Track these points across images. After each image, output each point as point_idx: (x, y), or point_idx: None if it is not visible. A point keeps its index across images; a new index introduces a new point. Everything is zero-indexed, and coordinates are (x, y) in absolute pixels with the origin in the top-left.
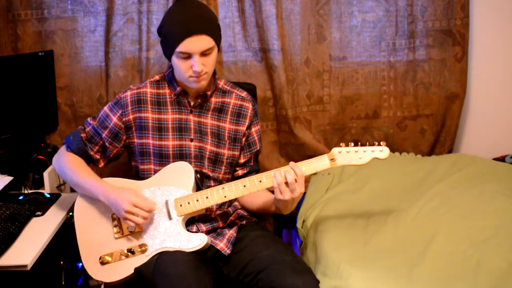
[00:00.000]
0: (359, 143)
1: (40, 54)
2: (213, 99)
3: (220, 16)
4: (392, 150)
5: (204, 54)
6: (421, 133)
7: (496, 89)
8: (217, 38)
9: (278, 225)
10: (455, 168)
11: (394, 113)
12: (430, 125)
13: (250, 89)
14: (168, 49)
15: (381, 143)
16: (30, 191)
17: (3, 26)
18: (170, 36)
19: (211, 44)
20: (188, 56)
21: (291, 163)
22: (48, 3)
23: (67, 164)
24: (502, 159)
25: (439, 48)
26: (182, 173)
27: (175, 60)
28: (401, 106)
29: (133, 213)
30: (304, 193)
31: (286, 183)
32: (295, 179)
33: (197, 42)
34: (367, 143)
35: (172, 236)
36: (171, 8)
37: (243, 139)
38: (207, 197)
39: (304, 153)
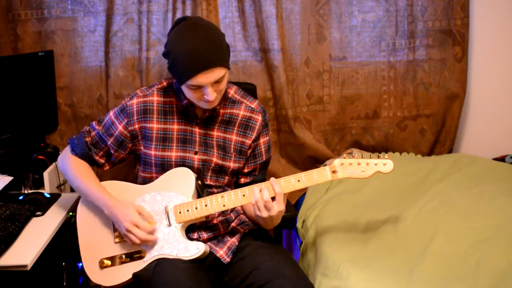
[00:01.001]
0: (362, 155)
1: (40, 54)
2: (221, 111)
3: (220, 16)
4: (392, 150)
5: (217, 81)
6: (421, 133)
7: (496, 89)
8: (228, 62)
9: (278, 226)
10: (455, 168)
11: (394, 113)
12: (430, 125)
13: (250, 89)
14: (177, 78)
15: (386, 155)
16: (30, 191)
17: (3, 26)
18: (179, 68)
19: (223, 72)
20: (198, 87)
21: (272, 179)
22: (48, 3)
23: (72, 169)
24: (502, 159)
25: (439, 48)
26: (183, 179)
27: (185, 89)
28: (401, 106)
29: (133, 233)
30: (304, 193)
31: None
32: (273, 197)
33: (210, 76)
34: (370, 155)
35: (170, 243)
36: (177, 33)
37: (249, 151)
38: (206, 205)
39: (304, 153)
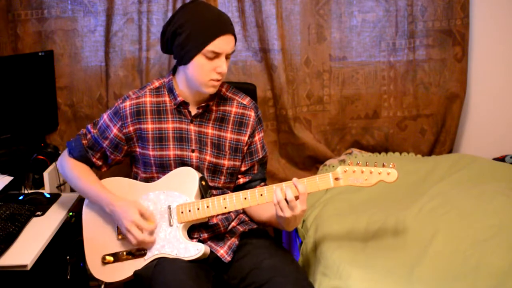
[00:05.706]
0: (367, 163)
1: (40, 54)
2: (214, 108)
3: None
4: (392, 150)
5: (226, 57)
6: (421, 133)
7: (496, 89)
8: None
9: None
10: (455, 168)
11: (394, 113)
12: (430, 125)
13: (250, 89)
14: (194, 48)
15: (390, 164)
16: (30, 191)
17: (3, 26)
18: (199, 34)
19: (234, 45)
20: (215, 56)
21: (294, 179)
22: (48, 3)
23: (71, 171)
24: (502, 159)
25: (439, 48)
26: (187, 179)
27: (199, 61)
28: (401, 106)
29: (132, 233)
30: None
31: (287, 200)
32: (296, 196)
33: (229, 43)
34: (375, 163)
35: (171, 242)
36: (192, 8)
37: (245, 148)
38: (208, 206)
39: (304, 153)
